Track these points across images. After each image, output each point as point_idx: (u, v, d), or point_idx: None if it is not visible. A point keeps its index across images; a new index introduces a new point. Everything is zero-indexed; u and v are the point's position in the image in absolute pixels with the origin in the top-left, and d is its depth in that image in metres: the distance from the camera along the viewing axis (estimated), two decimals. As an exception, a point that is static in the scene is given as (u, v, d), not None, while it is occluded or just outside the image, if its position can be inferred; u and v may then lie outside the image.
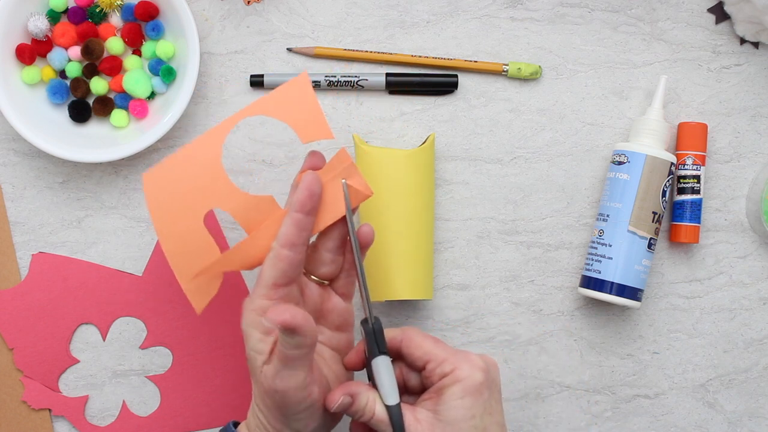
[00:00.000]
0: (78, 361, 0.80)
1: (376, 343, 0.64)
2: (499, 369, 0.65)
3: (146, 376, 0.80)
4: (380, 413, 0.63)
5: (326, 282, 0.68)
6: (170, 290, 0.79)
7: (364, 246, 0.67)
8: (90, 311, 0.79)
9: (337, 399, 0.63)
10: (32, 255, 0.79)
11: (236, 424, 0.67)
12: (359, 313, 0.79)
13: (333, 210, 0.65)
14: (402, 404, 0.63)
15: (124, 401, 0.80)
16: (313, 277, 0.67)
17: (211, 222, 0.79)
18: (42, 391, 0.79)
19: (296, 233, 0.63)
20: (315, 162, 0.66)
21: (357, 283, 0.67)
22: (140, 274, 0.80)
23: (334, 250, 0.66)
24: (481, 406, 0.62)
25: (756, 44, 0.81)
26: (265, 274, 0.63)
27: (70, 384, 0.80)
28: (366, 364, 0.66)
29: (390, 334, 0.66)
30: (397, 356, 0.66)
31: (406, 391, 0.67)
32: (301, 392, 0.62)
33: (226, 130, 0.67)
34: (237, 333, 0.80)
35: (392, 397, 0.64)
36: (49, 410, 0.79)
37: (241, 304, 0.65)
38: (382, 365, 0.64)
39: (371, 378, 0.65)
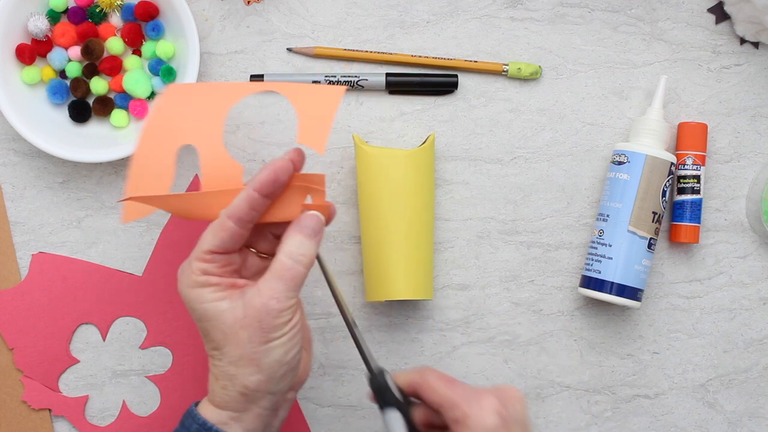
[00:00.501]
0: (78, 361, 0.80)
1: (383, 397, 0.65)
2: (524, 401, 0.63)
3: (146, 376, 0.80)
4: None
5: (265, 255, 0.68)
6: (170, 290, 0.79)
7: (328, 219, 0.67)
8: (90, 311, 0.79)
9: None
10: (32, 255, 0.79)
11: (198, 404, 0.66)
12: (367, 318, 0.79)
13: (286, 211, 0.66)
14: None
15: (124, 401, 0.80)
16: (252, 249, 0.67)
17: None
18: (42, 391, 0.79)
19: (246, 210, 0.63)
20: (295, 159, 0.66)
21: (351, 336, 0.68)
22: (140, 274, 0.80)
23: (278, 236, 0.67)
24: None
25: (756, 44, 0.81)
26: (205, 239, 0.63)
27: (70, 384, 0.80)
28: (379, 407, 0.66)
29: (408, 377, 0.65)
30: (418, 397, 0.65)
31: (434, 428, 0.66)
32: (286, 301, 0.62)
33: (253, 88, 0.67)
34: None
35: None
36: (49, 410, 0.79)
37: None
38: (392, 419, 0.64)
39: (385, 424, 0.66)
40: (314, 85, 0.67)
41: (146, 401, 0.80)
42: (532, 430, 0.64)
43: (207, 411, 0.64)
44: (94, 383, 0.80)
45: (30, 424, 0.79)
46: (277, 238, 0.67)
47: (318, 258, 0.66)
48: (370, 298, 0.76)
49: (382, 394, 0.65)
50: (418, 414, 0.65)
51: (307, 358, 0.68)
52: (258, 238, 0.67)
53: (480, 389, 0.63)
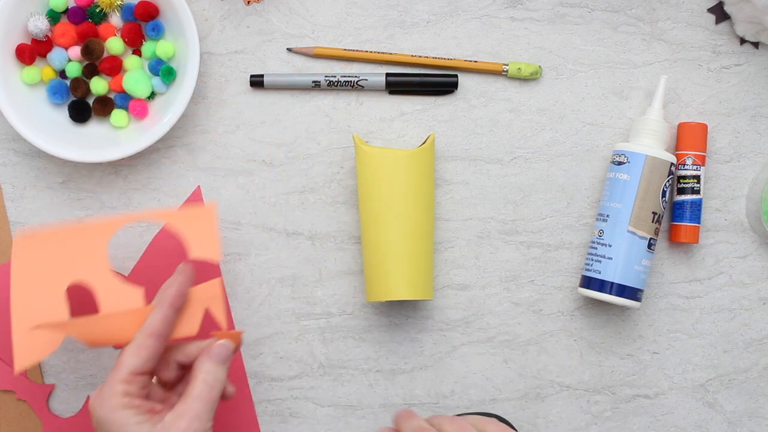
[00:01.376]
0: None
1: None
2: None
3: None
4: None
5: (164, 387, 0.70)
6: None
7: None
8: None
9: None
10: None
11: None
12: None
13: (187, 326, 0.69)
14: None
15: (88, 397, 0.80)
16: (154, 379, 0.69)
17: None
18: (8, 372, 0.79)
19: (163, 326, 0.66)
20: (191, 274, 0.70)
21: None
22: (127, 274, 0.79)
23: (180, 362, 0.69)
24: None
25: (756, 44, 0.81)
26: (126, 361, 0.65)
27: (37, 371, 0.79)
28: None
29: (420, 425, 0.66)
30: None
31: None
32: (207, 422, 0.65)
33: (119, 224, 0.70)
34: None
35: None
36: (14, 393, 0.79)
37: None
38: None
39: None
40: (185, 208, 0.71)
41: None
42: None
43: None
44: (60, 375, 0.80)
45: (20, 409, 0.79)
46: (181, 364, 0.69)
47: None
48: (371, 299, 0.76)
49: None
50: None
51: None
52: (161, 366, 0.69)
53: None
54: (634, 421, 0.81)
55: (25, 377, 0.79)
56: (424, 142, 0.77)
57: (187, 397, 0.65)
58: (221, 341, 0.68)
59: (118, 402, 0.64)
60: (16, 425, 0.79)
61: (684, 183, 0.79)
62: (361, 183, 0.76)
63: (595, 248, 0.77)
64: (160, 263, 0.79)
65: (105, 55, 0.78)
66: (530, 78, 0.80)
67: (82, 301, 0.74)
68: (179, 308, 0.68)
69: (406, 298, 0.75)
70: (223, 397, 0.69)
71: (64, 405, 0.79)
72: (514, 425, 0.80)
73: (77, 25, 0.78)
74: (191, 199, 0.79)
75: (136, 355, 0.65)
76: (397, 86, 0.80)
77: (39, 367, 0.79)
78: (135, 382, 0.65)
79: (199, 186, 0.80)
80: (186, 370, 0.70)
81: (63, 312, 0.68)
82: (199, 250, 0.69)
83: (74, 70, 0.78)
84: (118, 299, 0.68)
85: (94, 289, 0.68)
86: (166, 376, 0.69)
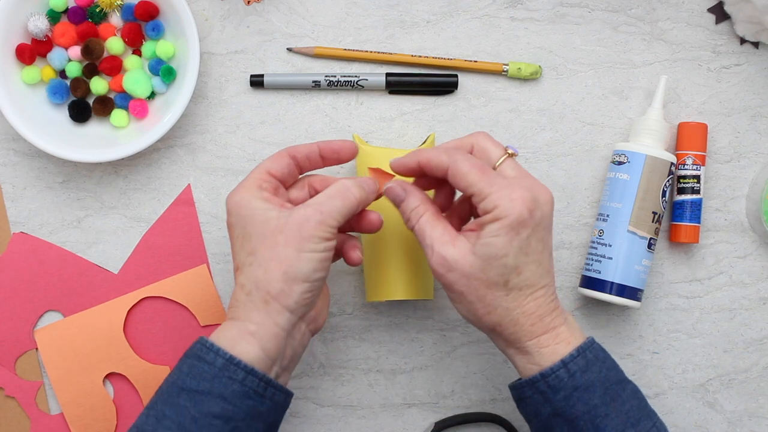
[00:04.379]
0: (37, 347, 0.79)
1: None
2: (553, 205, 0.66)
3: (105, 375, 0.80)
4: (423, 223, 0.67)
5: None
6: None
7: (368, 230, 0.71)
8: (59, 299, 0.79)
9: (393, 186, 0.68)
10: (13, 234, 0.79)
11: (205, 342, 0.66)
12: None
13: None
14: (444, 232, 0.66)
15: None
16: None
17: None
18: None
19: (301, 151, 0.70)
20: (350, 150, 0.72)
21: None
22: (116, 272, 0.80)
23: (313, 188, 0.71)
24: (516, 246, 0.63)
25: (756, 44, 0.81)
26: (263, 164, 0.68)
27: (26, 368, 0.79)
28: None
29: (435, 160, 0.66)
30: (445, 179, 0.67)
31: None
32: (330, 220, 0.66)
33: (129, 303, 0.78)
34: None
35: None
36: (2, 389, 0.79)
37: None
38: None
39: None
40: (180, 274, 0.79)
41: (146, 401, 0.80)
42: (551, 236, 0.67)
43: (224, 338, 0.65)
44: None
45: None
46: (313, 189, 0.71)
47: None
48: (371, 298, 0.76)
49: None
50: (437, 199, 0.71)
51: (323, 308, 0.70)
52: (295, 184, 0.71)
53: (514, 181, 0.65)
54: (634, 421, 0.81)
55: (14, 374, 0.79)
56: (424, 142, 0.77)
57: (320, 194, 0.67)
58: (367, 177, 0.70)
59: (251, 191, 0.67)
60: (4, 422, 0.79)
61: (684, 183, 0.79)
62: (361, 183, 0.76)
63: (595, 248, 0.77)
64: (150, 260, 0.79)
65: (105, 55, 0.78)
66: (530, 78, 0.80)
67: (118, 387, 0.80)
68: (319, 153, 0.70)
69: (406, 297, 0.75)
70: (348, 258, 0.71)
71: (53, 402, 0.79)
72: (514, 425, 0.80)
73: (77, 25, 0.78)
74: (181, 197, 0.79)
75: (272, 161, 0.69)
76: (397, 86, 0.80)
77: (37, 364, 0.79)
78: (268, 180, 0.68)
79: (189, 184, 0.80)
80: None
81: (109, 409, 0.78)
82: (205, 318, 0.79)
83: (74, 70, 0.78)
84: (152, 380, 0.78)
85: (128, 376, 0.78)
86: (296, 195, 0.70)
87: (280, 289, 0.64)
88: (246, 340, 0.64)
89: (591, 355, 0.66)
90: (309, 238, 0.64)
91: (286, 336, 0.66)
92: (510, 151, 0.68)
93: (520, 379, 0.68)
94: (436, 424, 0.80)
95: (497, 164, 0.67)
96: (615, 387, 0.66)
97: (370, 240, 0.75)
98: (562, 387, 0.65)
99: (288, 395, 0.67)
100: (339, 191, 0.66)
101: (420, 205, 0.67)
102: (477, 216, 0.68)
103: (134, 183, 0.80)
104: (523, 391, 0.67)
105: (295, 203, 0.69)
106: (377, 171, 0.71)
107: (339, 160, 0.71)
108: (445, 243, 0.65)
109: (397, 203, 0.69)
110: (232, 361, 0.63)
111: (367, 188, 0.68)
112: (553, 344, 0.66)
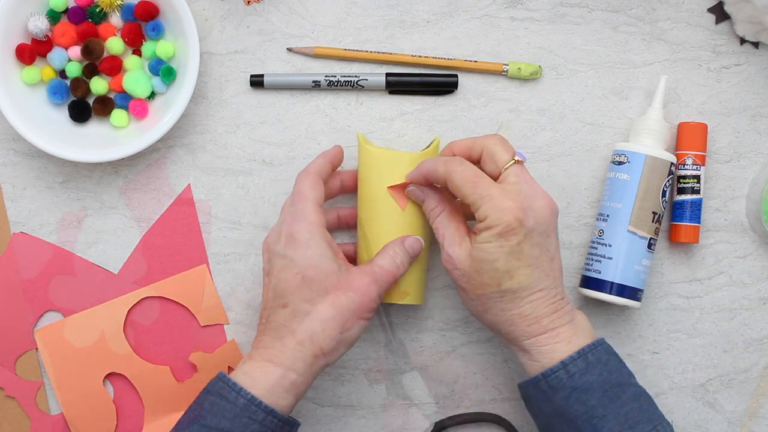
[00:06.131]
0: (37, 347, 0.79)
1: None
2: (555, 210, 0.69)
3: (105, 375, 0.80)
4: (438, 222, 0.71)
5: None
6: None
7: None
8: (59, 299, 0.79)
9: (413, 189, 0.72)
10: (13, 234, 0.79)
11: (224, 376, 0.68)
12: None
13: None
14: (455, 231, 0.70)
15: None
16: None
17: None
18: None
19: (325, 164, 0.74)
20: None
21: None
22: (116, 272, 0.80)
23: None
24: (506, 251, 0.67)
25: (756, 44, 0.81)
26: (309, 194, 0.71)
27: (26, 368, 0.79)
28: None
29: (434, 173, 0.70)
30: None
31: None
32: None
33: (129, 303, 0.78)
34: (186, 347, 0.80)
35: None
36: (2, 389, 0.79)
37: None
38: None
39: None
40: (180, 274, 0.79)
41: (146, 401, 0.80)
42: (557, 241, 0.69)
43: (262, 382, 0.67)
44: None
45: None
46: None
47: None
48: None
49: None
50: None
51: None
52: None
53: (509, 189, 0.67)
54: (634, 421, 0.81)
55: (14, 374, 0.79)
56: (428, 146, 0.77)
57: (373, 263, 0.71)
58: (416, 237, 0.73)
59: (320, 230, 0.70)
60: (4, 422, 0.79)
61: (684, 183, 0.79)
62: (362, 182, 0.76)
63: (595, 248, 0.77)
64: (149, 260, 0.79)
65: (105, 55, 0.78)
66: (530, 78, 0.80)
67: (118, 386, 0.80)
68: (331, 165, 0.74)
69: (397, 302, 0.74)
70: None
71: (53, 402, 0.79)
72: (514, 425, 0.80)
73: (77, 25, 0.78)
74: (181, 197, 0.79)
75: (313, 189, 0.71)
76: (397, 86, 0.80)
77: (37, 364, 0.79)
78: (321, 213, 0.71)
79: (189, 184, 0.80)
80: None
81: (110, 410, 0.78)
82: (207, 318, 0.79)
83: (74, 70, 0.78)
84: (152, 380, 0.78)
85: (128, 377, 0.78)
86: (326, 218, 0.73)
87: (332, 349, 0.68)
88: (286, 389, 0.67)
89: (593, 357, 0.67)
90: (369, 310, 0.69)
91: (308, 387, 0.70)
92: (516, 158, 0.69)
93: (527, 378, 0.70)
94: (436, 424, 0.80)
95: (504, 169, 0.69)
96: (615, 389, 0.67)
97: (368, 240, 0.75)
98: (561, 387, 0.66)
99: (296, 426, 0.69)
100: (389, 263, 0.71)
101: (437, 205, 0.71)
102: None
103: (134, 183, 0.80)
104: (528, 389, 0.69)
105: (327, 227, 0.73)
106: (396, 188, 0.73)
107: (341, 163, 0.75)
108: (453, 242, 0.69)
109: (420, 204, 0.73)
110: (253, 402, 0.66)
111: (412, 252, 0.73)
112: (552, 343, 0.68)
